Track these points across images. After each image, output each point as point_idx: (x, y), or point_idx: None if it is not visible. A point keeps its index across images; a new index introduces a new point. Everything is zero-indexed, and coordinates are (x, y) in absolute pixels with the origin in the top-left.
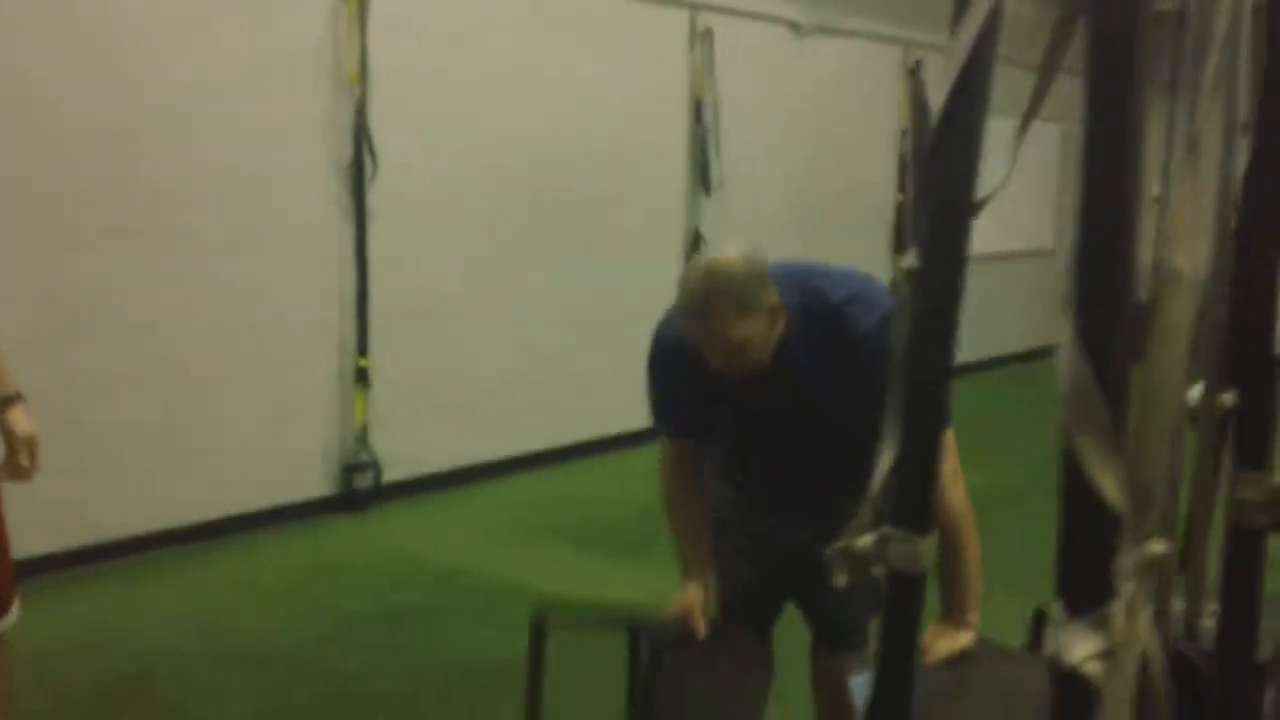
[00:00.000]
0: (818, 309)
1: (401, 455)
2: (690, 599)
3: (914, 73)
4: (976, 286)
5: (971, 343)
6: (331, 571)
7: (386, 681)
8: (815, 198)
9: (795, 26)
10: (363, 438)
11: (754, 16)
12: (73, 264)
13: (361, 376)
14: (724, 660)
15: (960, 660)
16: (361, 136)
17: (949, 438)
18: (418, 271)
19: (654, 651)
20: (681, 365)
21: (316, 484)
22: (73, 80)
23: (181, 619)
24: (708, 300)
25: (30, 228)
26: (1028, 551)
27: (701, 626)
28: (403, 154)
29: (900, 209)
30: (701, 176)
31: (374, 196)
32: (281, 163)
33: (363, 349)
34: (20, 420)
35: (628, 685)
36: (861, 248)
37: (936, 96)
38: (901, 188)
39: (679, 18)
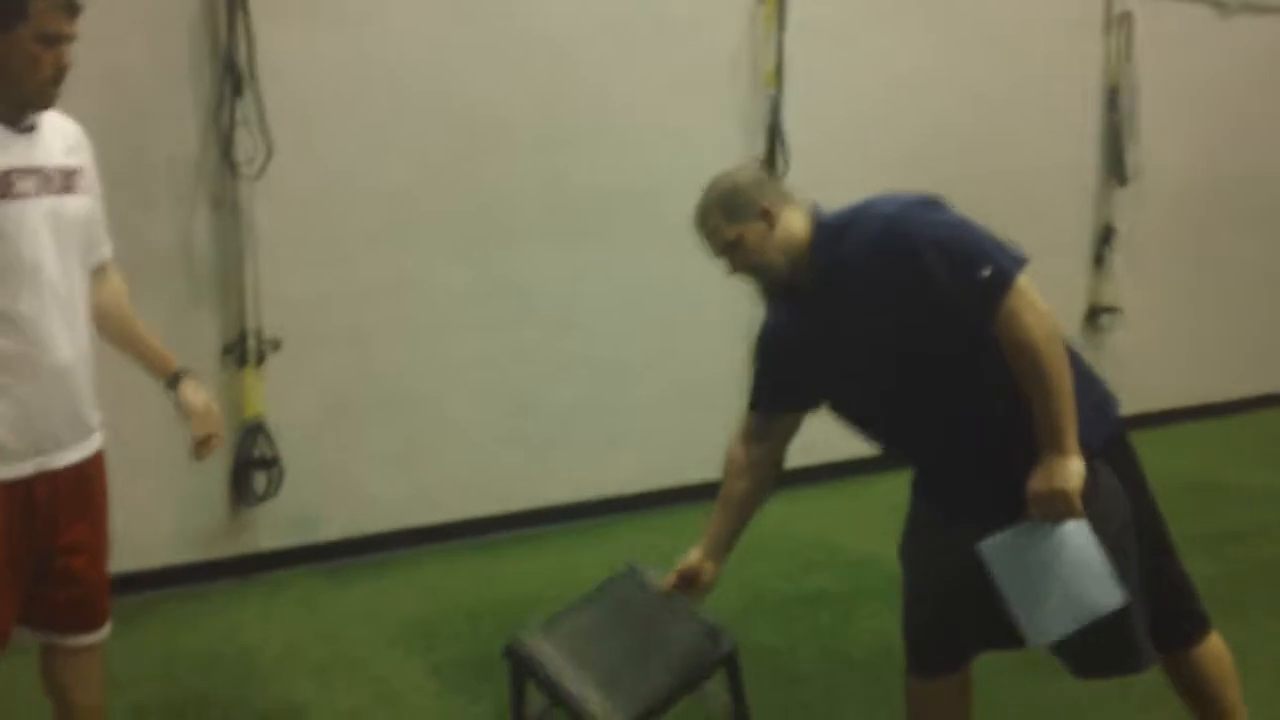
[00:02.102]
0: (852, 219)
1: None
2: (687, 565)
3: None
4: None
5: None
6: (744, 551)
7: (807, 661)
8: (1238, 186)
9: (1219, 5)
10: None
11: None
12: (511, 257)
13: None
14: None
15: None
16: (775, 134)
17: (1025, 286)
18: None
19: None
20: (770, 329)
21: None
22: (516, 94)
23: None
24: (703, 205)
25: (478, 224)
26: None
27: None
28: (811, 150)
29: None
30: (1115, 167)
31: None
32: (700, 165)
33: None
34: (192, 393)
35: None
36: None
37: None
38: None
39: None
